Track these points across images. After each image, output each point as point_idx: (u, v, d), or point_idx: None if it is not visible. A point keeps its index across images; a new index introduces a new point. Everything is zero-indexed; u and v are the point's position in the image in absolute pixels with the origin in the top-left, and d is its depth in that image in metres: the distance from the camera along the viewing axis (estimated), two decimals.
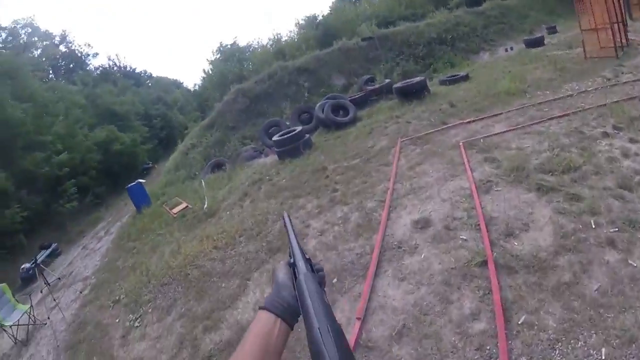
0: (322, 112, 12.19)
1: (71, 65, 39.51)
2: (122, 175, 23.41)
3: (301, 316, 0.67)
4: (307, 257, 0.81)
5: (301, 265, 0.77)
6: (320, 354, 0.54)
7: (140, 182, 13.09)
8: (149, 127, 34.01)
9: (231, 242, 6.32)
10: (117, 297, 6.24)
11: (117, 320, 5.56)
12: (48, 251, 12.69)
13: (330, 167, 8.18)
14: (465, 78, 12.94)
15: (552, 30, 18.41)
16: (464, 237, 4.08)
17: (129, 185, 12.83)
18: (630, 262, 3.13)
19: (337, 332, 0.58)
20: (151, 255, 7.73)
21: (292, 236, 0.91)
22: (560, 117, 6.69)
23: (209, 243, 6.56)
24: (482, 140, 6.55)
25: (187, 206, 10.08)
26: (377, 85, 15.06)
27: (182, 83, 61.14)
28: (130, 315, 5.44)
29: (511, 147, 5.96)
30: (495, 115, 7.84)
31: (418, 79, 12.37)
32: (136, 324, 5.19)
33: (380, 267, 4.10)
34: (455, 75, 13.45)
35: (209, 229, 7.47)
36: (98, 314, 6.11)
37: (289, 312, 0.73)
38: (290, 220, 1.03)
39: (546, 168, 4.94)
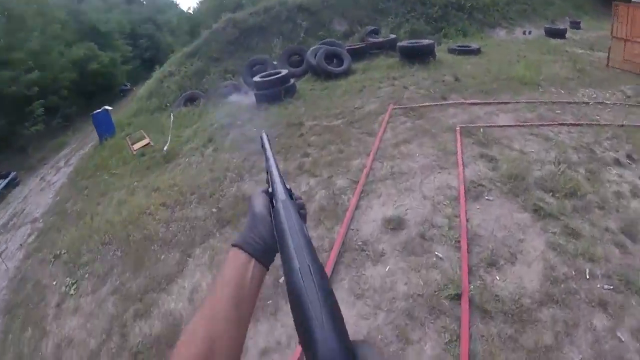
0: (315, 57, 10.97)
1: None
2: (97, 96, 22.64)
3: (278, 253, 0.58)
4: (288, 187, 0.70)
5: (280, 190, 0.67)
6: (300, 296, 0.46)
7: (107, 110, 12.21)
8: (133, 46, 32.59)
9: (181, 201, 5.63)
10: (58, 251, 5.69)
11: (55, 283, 5.05)
12: (6, 181, 12.14)
13: (308, 123, 7.28)
14: (477, 52, 11.84)
15: (576, 26, 17.44)
16: (440, 255, 3.38)
17: (94, 112, 12.06)
18: (618, 334, 2.64)
19: (320, 273, 0.49)
20: (99, 201, 7.20)
21: (270, 159, 0.81)
22: (572, 125, 5.93)
23: (158, 198, 5.90)
24: (482, 129, 5.72)
25: (148, 143, 9.40)
26: (380, 39, 13.69)
27: (178, 4, 57.47)
28: (68, 279, 4.94)
29: (513, 147, 5.18)
30: (502, 103, 6.97)
31: (426, 41, 11.15)
32: (71, 291, 4.69)
33: (336, 273, 3.39)
34: (466, 46, 12.29)
35: (162, 179, 6.75)
36: (39, 270, 5.61)
37: (265, 250, 0.64)
38: (269, 140, 0.91)
39: (548, 185, 4.22)
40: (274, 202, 0.67)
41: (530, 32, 16.51)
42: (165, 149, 7.98)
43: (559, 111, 6.60)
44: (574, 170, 4.56)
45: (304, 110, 8.20)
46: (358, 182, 4.64)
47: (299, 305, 0.46)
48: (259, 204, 0.70)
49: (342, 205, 4.30)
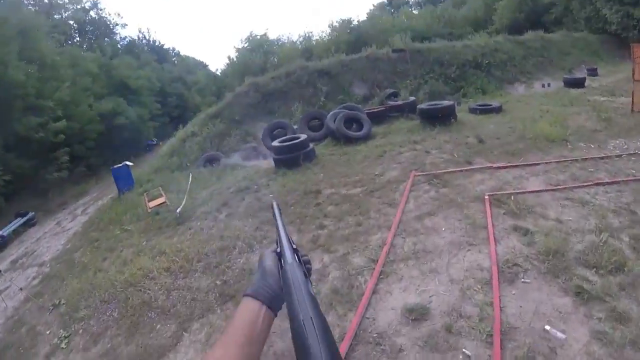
0: (334, 121, 11.01)
1: (98, 33, 38.62)
2: (123, 149, 23.32)
3: (285, 305, 0.67)
4: (294, 247, 0.81)
5: (288, 254, 0.76)
6: (303, 346, 0.53)
7: (127, 165, 12.49)
8: (162, 104, 33.89)
9: (185, 268, 5.38)
10: (57, 301, 5.71)
11: (48, 332, 5.02)
12: (23, 220, 12.63)
13: (326, 191, 7.03)
14: (498, 110, 11.64)
15: (593, 73, 17.34)
16: (468, 353, 2.90)
17: (115, 167, 12.38)
18: None
19: (322, 325, 0.56)
20: (106, 256, 7.15)
21: (280, 225, 0.90)
22: (608, 184, 5.44)
23: (163, 262, 5.66)
24: (512, 197, 5.31)
25: (164, 202, 9.27)
26: (399, 102, 13.83)
27: (207, 65, 60.47)
28: (62, 331, 4.88)
29: (548, 216, 4.72)
30: (531, 165, 6.57)
31: (446, 103, 11.08)
32: (63, 344, 4.61)
33: None
34: (487, 105, 12.14)
35: (170, 242, 6.53)
36: (36, 316, 5.61)
37: (274, 299, 0.73)
38: (279, 209, 1.01)
39: (590, 260, 3.71)
40: (282, 262, 0.76)
41: (549, 85, 16.45)
42: (178, 211, 7.82)
43: (592, 169, 6.14)
44: (617, 239, 4.05)
45: (322, 176, 8.01)
46: (377, 261, 4.24)
47: (302, 351, 0.53)
48: (269, 261, 0.80)
49: (357, 289, 3.89)
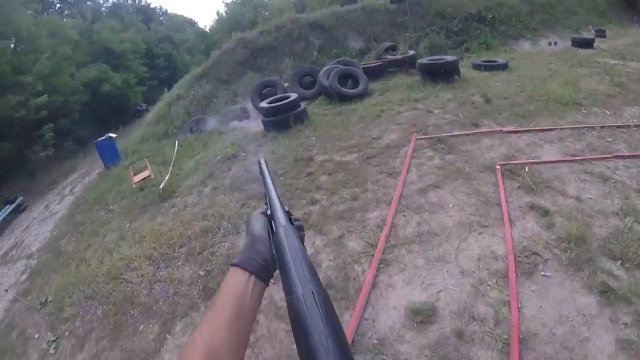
0: (327, 78, 10.19)
1: None
2: (111, 117, 22.64)
3: (277, 272, 0.61)
4: (286, 209, 0.73)
5: (280, 216, 0.69)
6: (303, 325, 0.46)
7: (111, 137, 11.76)
8: (150, 66, 32.49)
9: (168, 255, 4.91)
10: (44, 298, 5.33)
11: (37, 336, 4.70)
12: (12, 207, 12.00)
13: (318, 158, 6.48)
14: (504, 67, 10.86)
15: (601, 34, 16.40)
16: None
17: (98, 140, 11.65)
18: None
19: (325, 301, 0.49)
20: (90, 243, 6.64)
21: (269, 184, 0.83)
22: (628, 157, 4.93)
23: (145, 248, 5.21)
24: (527, 168, 4.80)
25: (149, 175, 8.81)
26: (399, 56, 12.86)
27: (197, 23, 57.32)
28: (49, 333, 4.57)
29: (567, 193, 4.23)
30: (544, 130, 6.01)
31: (449, 57, 10.22)
32: (51, 349, 4.29)
33: None
34: (492, 61, 11.31)
35: (152, 224, 6.05)
36: (25, 317, 5.27)
37: (264, 268, 0.66)
38: (267, 165, 0.94)
39: (615, 250, 3.26)
40: (273, 225, 0.68)
41: (556, 43, 15.55)
42: (161, 186, 7.30)
43: (609, 139, 5.61)
44: None
45: (314, 140, 7.42)
46: (376, 246, 3.76)
47: (303, 333, 0.45)
48: (258, 225, 0.72)
49: (354, 281, 3.42)
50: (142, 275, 4.68)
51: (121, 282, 4.70)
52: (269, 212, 0.74)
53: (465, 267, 3.33)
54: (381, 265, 3.54)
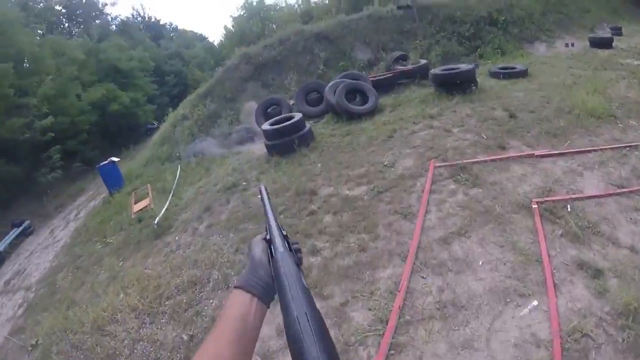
0: (334, 94, 9.46)
1: (87, 16, 35.72)
2: (121, 137, 22.36)
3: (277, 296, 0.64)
4: (285, 233, 0.77)
5: (278, 242, 0.72)
6: (298, 344, 0.50)
7: (113, 161, 11.28)
8: (160, 84, 32.13)
9: (153, 309, 4.37)
10: (35, 340, 4.99)
11: None
12: (19, 230, 11.76)
13: (323, 191, 5.74)
14: (524, 74, 10.00)
15: (617, 32, 15.60)
16: None
17: (100, 165, 11.22)
18: None
19: (317, 321, 0.53)
20: (84, 280, 6.24)
21: (268, 210, 0.87)
22: None
23: (132, 297, 4.68)
24: (569, 207, 3.96)
25: (147, 205, 8.33)
26: (409, 66, 12.08)
27: (207, 38, 56.71)
28: None
29: (619, 241, 3.41)
30: (582, 152, 5.17)
31: (465, 66, 9.37)
32: None
33: None
34: (511, 68, 10.45)
35: (144, 264, 5.62)
36: (17, 357, 5.04)
37: (265, 291, 0.70)
38: (267, 192, 0.98)
39: None
40: (272, 249, 0.72)
41: (572, 44, 14.68)
42: (156, 222, 6.70)
43: None
44: None
45: (319, 167, 6.69)
46: (387, 322, 2.97)
47: (298, 353, 0.49)
48: (258, 250, 0.77)
49: None
50: (126, 330, 4.17)
51: (106, 335, 4.24)
52: (268, 236, 0.77)
53: (499, 357, 2.52)
54: (392, 352, 2.75)
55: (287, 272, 0.62)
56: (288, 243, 0.72)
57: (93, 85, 22.62)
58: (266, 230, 0.80)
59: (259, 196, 0.97)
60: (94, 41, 27.43)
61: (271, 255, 0.71)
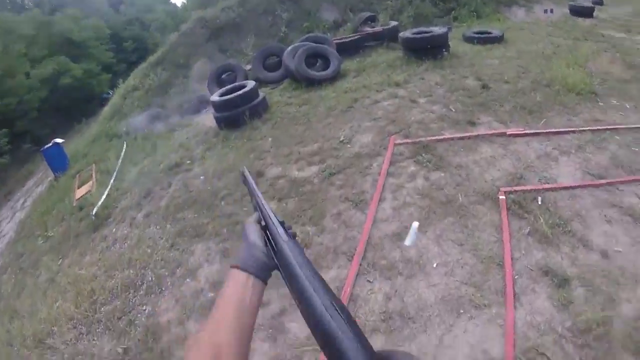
0: (293, 58, 8.61)
1: None
2: (75, 110, 21.38)
3: (275, 272, 0.65)
4: (280, 220, 0.71)
5: (280, 231, 0.68)
6: (331, 335, 0.47)
7: (58, 143, 10.29)
8: (117, 51, 30.94)
9: (89, 317, 3.83)
10: None
11: None
12: None
13: (271, 171, 5.07)
14: (500, 39, 9.32)
15: (598, 1, 15.45)
16: None
17: (44, 148, 10.25)
18: None
19: (344, 309, 0.51)
20: (25, 283, 5.47)
21: (258, 195, 0.80)
22: None
23: (69, 305, 4.07)
24: (539, 199, 3.41)
25: (89, 190, 7.48)
26: (378, 28, 11.20)
27: (169, 0, 53.85)
28: None
29: (591, 244, 2.95)
30: (559, 132, 4.60)
31: (437, 30, 8.57)
32: None
33: None
34: (486, 33, 9.74)
35: (80, 262, 4.98)
36: None
37: (262, 268, 0.67)
38: (251, 175, 0.90)
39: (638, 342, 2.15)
40: (268, 235, 0.69)
41: (552, 11, 14.22)
42: (94, 212, 5.94)
43: (636, 147, 4.25)
44: None
45: (270, 142, 5.98)
46: None
47: (331, 339, 0.46)
48: (253, 235, 0.71)
49: None
50: (64, 343, 3.67)
51: (48, 349, 3.70)
52: (262, 222, 0.72)
53: None
54: None
55: (299, 263, 0.59)
56: (286, 230, 0.68)
57: (43, 60, 21.34)
58: (255, 209, 0.77)
59: (242, 180, 0.91)
60: (45, 14, 25.57)
61: (269, 241, 0.68)
